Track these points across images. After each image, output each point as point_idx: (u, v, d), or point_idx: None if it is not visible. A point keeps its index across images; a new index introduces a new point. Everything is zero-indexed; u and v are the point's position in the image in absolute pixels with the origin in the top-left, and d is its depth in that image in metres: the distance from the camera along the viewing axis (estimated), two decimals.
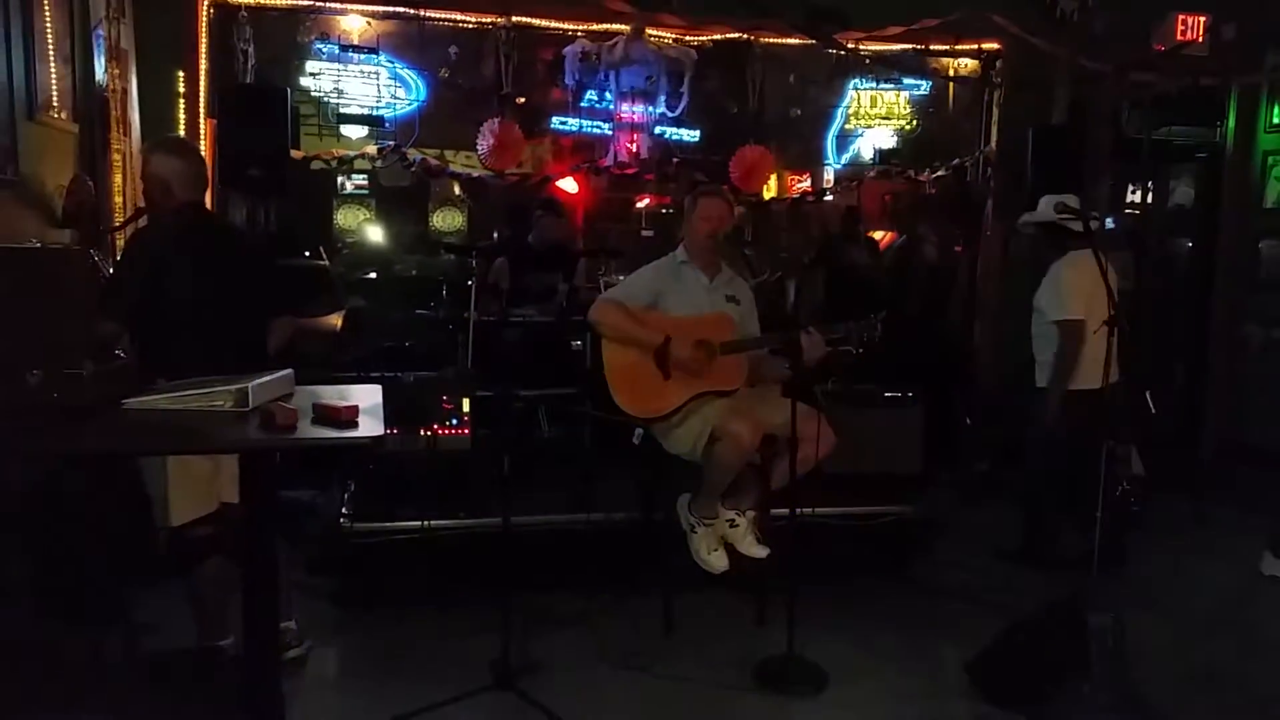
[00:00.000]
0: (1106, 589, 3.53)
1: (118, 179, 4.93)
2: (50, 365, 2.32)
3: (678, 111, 6.38)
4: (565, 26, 6.19)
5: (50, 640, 3.05)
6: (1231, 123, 6.92)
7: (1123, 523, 4.84)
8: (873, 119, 6.81)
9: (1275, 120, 6.75)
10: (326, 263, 6.03)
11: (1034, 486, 5.07)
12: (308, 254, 6.07)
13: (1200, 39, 6.62)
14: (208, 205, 3.92)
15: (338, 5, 5.85)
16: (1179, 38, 6.60)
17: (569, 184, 6.78)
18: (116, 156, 4.92)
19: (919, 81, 6.80)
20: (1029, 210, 5.22)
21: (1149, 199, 7.22)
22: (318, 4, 5.81)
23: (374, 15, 5.95)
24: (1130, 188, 7.38)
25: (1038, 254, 5.23)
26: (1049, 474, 4.92)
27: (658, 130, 6.37)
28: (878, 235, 7.95)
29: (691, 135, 6.50)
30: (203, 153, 4.41)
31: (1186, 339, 7.24)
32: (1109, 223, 7.06)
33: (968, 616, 4.32)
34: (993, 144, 6.85)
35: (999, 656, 3.55)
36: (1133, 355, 5.05)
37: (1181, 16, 6.60)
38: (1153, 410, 5.50)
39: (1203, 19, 6.62)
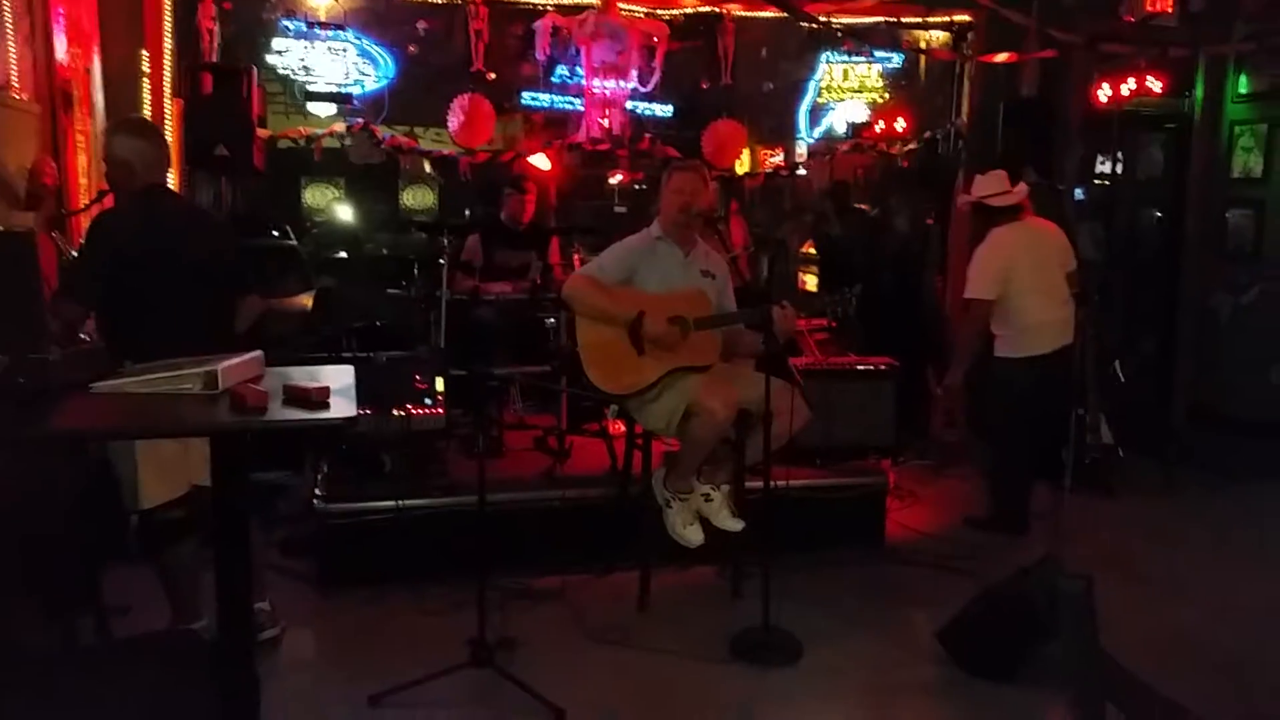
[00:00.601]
0: (1076, 553, 3.57)
1: (81, 160, 4.86)
2: (15, 349, 2.29)
3: (649, 86, 6.35)
4: (535, 1, 6.13)
5: (20, 623, 3.02)
6: (1200, 93, 6.96)
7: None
8: (845, 92, 6.80)
9: (1242, 90, 6.80)
10: (295, 242, 5.98)
11: (995, 453, 5.15)
12: (275, 234, 6.02)
13: (1169, 10, 6.64)
14: (173, 186, 3.86)
15: None
16: (1148, 9, 6.62)
17: (541, 160, 6.75)
18: (80, 138, 4.85)
19: (891, 54, 6.79)
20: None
21: (1118, 169, 7.26)
22: None
23: None
24: (1100, 158, 7.42)
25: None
26: (1006, 440, 5.01)
27: (630, 106, 6.34)
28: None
29: (664, 110, 6.48)
30: (167, 134, 4.32)
31: (1156, 308, 7.30)
32: (1078, 193, 7.10)
33: (940, 584, 4.37)
34: (964, 116, 6.87)
35: (971, 623, 3.59)
36: (1101, 324, 5.15)
37: None
38: (1122, 379, 5.56)
39: None
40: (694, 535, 4.01)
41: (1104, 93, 6.44)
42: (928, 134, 6.91)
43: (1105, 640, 3.53)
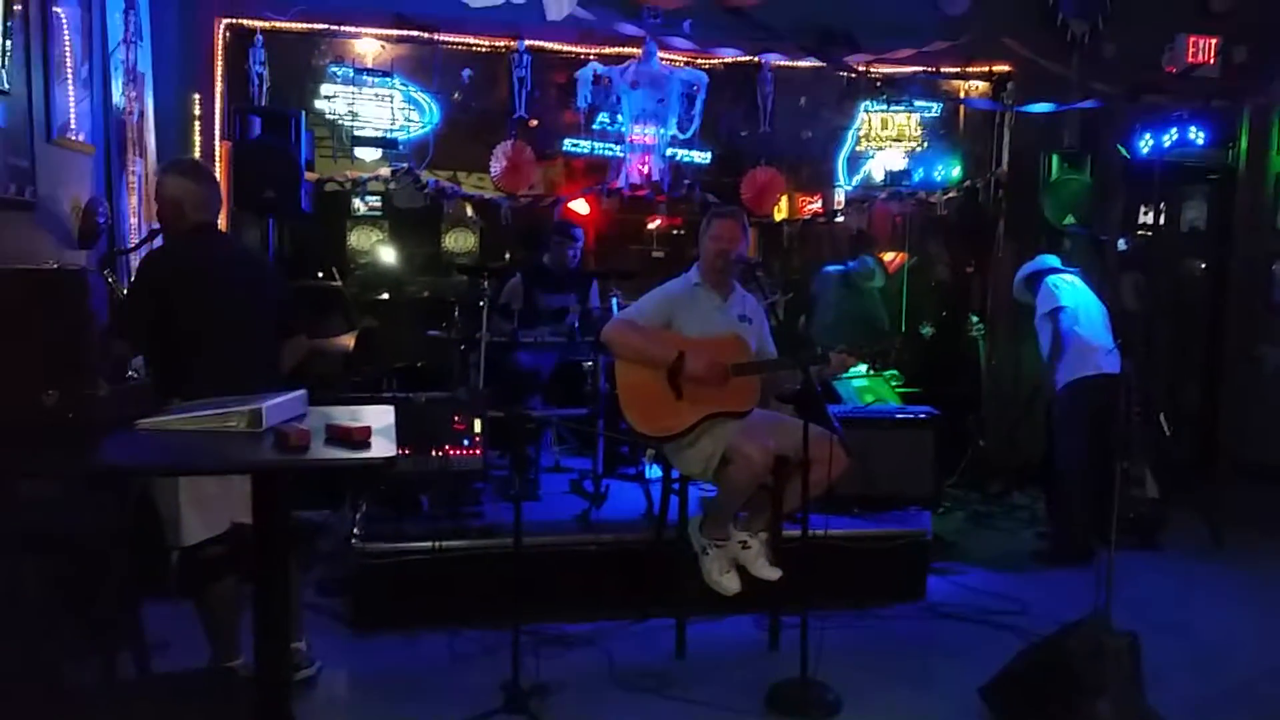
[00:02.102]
0: (1122, 610, 3.49)
1: (133, 200, 4.97)
2: (66, 386, 2.33)
3: (689, 133, 6.41)
4: (577, 50, 6.23)
5: (63, 659, 3.05)
6: (1244, 144, 6.92)
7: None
8: (884, 141, 6.81)
9: None
10: (340, 284, 6.06)
11: (1060, 482, 5.41)
12: (320, 275, 6.10)
13: (1211, 61, 6.63)
14: (222, 227, 3.90)
15: (352, 29, 5.90)
16: (1190, 60, 6.61)
17: (581, 205, 6.80)
18: (132, 178, 4.97)
19: (930, 103, 6.81)
20: (1043, 232, 5.58)
21: (1161, 220, 7.21)
22: (332, 27, 5.87)
23: (388, 39, 6.00)
24: (1142, 209, 7.38)
25: None
26: (1071, 463, 5.32)
27: (669, 152, 6.39)
28: (888, 257, 7.95)
29: (703, 157, 6.52)
30: (217, 175, 4.35)
31: (1200, 360, 7.22)
32: (1121, 244, 7.06)
33: (982, 639, 4.29)
34: (1004, 165, 6.86)
35: (1014, 680, 3.52)
36: (1145, 376, 5.19)
37: (1192, 39, 6.61)
38: (1167, 432, 5.49)
39: (1214, 41, 6.63)
40: (731, 583, 3.97)
41: (1146, 144, 6.42)
42: (967, 183, 6.91)
43: (1151, 698, 3.47)
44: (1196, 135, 6.45)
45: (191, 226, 3.47)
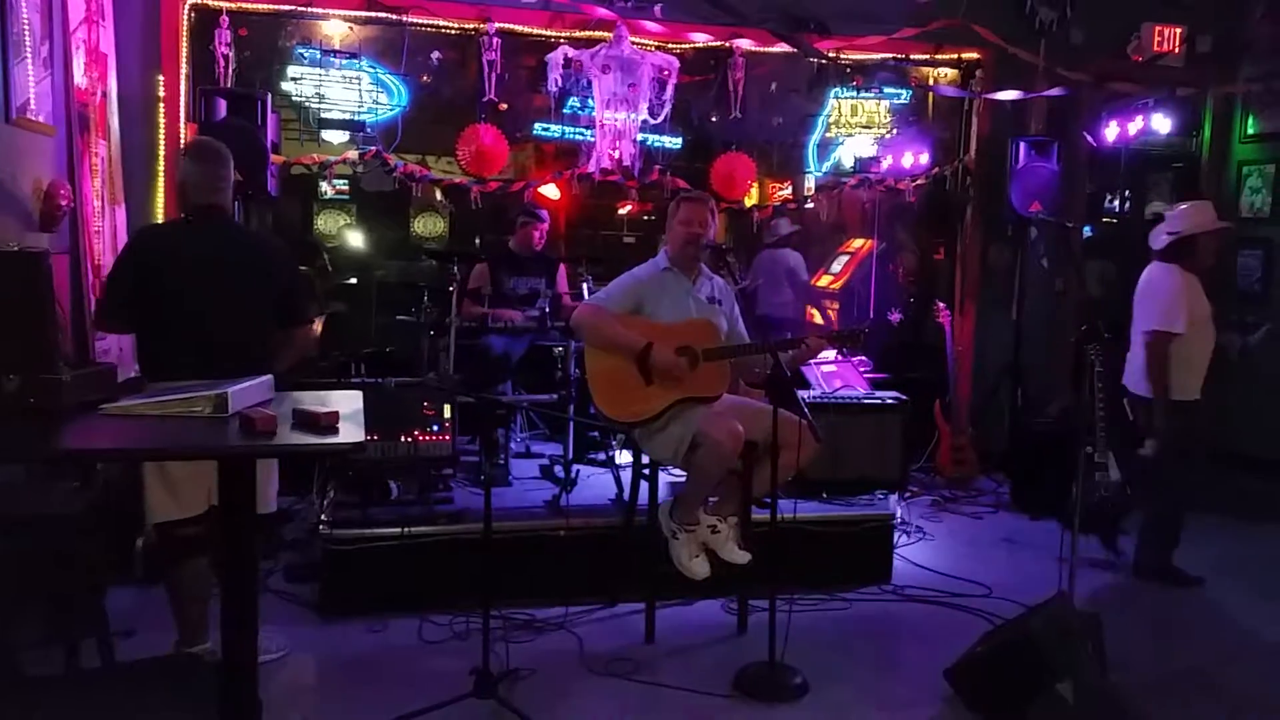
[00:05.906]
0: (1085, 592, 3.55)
1: (96, 183, 4.90)
2: (27, 370, 2.29)
3: (660, 118, 6.39)
4: (548, 33, 6.19)
5: (24, 647, 3.01)
6: (1207, 133, 7.00)
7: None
8: (853, 127, 6.83)
9: (1250, 130, 6.84)
10: (312, 267, 6.01)
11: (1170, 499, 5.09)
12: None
13: (1177, 50, 6.70)
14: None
15: (320, 10, 5.83)
16: (1155, 49, 6.67)
17: (551, 190, 6.78)
18: (95, 160, 4.89)
19: (899, 90, 6.84)
20: (1010, 219, 5.46)
21: (1126, 207, 7.29)
22: (299, 8, 5.79)
23: (356, 20, 5.93)
24: (1108, 197, 7.45)
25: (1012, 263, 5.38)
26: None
27: (640, 137, 6.37)
28: (858, 243, 7.99)
29: (673, 142, 6.51)
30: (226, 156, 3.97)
31: None
32: (1086, 231, 7.13)
33: (947, 621, 4.34)
34: (972, 153, 6.90)
35: (979, 662, 3.56)
36: (1109, 361, 5.20)
37: (1158, 28, 6.68)
38: (1131, 416, 5.55)
39: (1179, 30, 6.70)
40: (700, 568, 3.99)
41: (1112, 131, 6.48)
42: (935, 169, 6.95)
43: (1114, 680, 3.52)
44: (1161, 124, 6.52)
45: (193, 209, 3.44)
